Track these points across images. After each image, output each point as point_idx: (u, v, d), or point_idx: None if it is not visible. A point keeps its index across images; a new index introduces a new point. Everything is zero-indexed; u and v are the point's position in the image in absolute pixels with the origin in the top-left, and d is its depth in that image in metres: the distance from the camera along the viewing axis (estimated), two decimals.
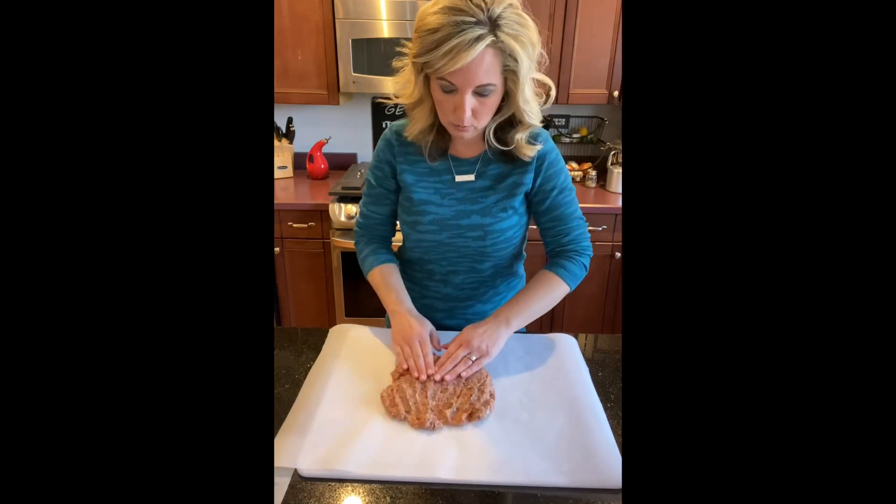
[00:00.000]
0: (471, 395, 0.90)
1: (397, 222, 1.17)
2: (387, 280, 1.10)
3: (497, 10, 0.82)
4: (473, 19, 0.81)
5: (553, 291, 1.05)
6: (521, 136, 0.98)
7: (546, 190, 1.06)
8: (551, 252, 1.12)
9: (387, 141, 1.09)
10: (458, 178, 1.06)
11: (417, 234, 1.10)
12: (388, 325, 1.25)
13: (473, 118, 0.91)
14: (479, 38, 0.81)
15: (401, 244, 1.22)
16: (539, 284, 1.06)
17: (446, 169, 1.06)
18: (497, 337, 0.97)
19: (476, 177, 1.05)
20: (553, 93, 0.98)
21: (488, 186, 1.05)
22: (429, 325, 1.02)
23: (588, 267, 1.10)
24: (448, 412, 0.87)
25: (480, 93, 0.88)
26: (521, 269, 1.23)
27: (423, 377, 0.93)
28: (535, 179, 1.05)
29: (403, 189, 1.09)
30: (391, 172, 1.09)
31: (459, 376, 0.94)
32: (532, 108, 0.94)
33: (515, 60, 0.86)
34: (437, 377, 0.93)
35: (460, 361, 0.95)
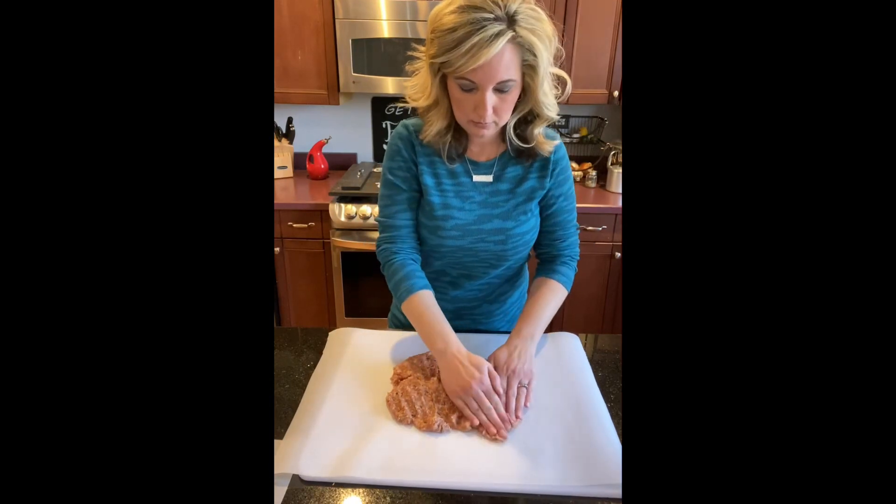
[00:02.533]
0: None
1: None
2: (425, 312, 0.99)
3: (513, 7, 0.83)
4: (492, 16, 0.82)
5: (557, 298, 1.08)
6: (538, 130, 1.00)
7: (554, 195, 1.08)
8: (545, 255, 1.14)
9: (406, 140, 1.05)
10: (476, 178, 1.05)
11: (438, 239, 1.06)
12: (391, 328, 1.25)
13: (494, 115, 0.91)
14: (498, 34, 0.82)
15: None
16: (546, 293, 1.07)
17: (464, 171, 1.05)
18: (531, 356, 0.96)
19: (493, 179, 1.05)
20: (569, 85, 0.98)
21: (507, 190, 1.05)
22: (484, 365, 0.91)
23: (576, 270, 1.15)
24: (453, 417, 0.87)
25: (500, 89, 0.88)
26: (526, 269, 1.24)
27: (504, 434, 0.83)
28: (549, 184, 1.06)
29: (424, 191, 1.05)
30: (416, 172, 1.05)
31: None
32: (550, 101, 0.95)
33: (534, 55, 0.86)
34: (514, 421, 0.86)
35: (518, 394, 0.90)
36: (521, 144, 1.01)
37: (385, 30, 2.24)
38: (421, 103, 0.97)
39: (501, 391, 0.89)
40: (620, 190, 2.46)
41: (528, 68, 0.89)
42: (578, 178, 2.58)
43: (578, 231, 1.15)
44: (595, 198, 2.41)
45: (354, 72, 2.30)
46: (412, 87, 0.98)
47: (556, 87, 0.97)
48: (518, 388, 0.90)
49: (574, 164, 2.61)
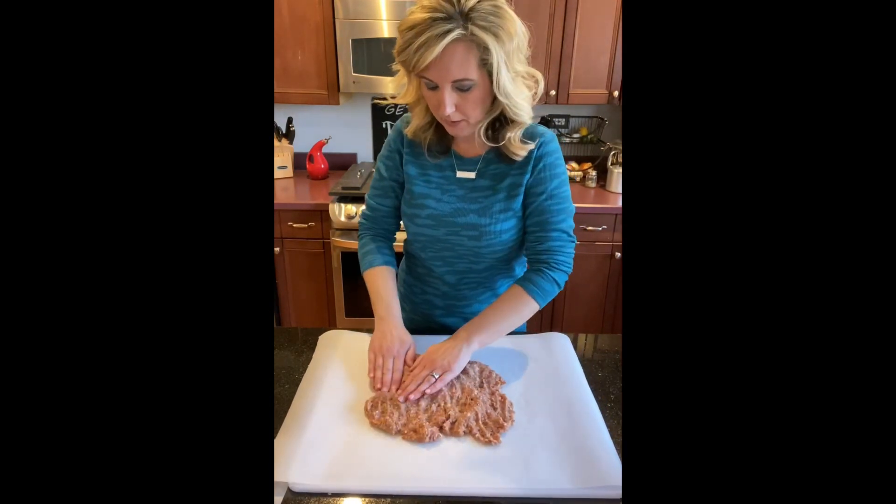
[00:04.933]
0: (472, 406, 0.88)
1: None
2: (379, 284, 1.09)
3: (469, 4, 0.82)
4: (444, 14, 0.81)
5: (521, 309, 1.02)
6: (512, 134, 0.97)
7: (535, 193, 1.02)
8: (529, 260, 1.08)
9: (398, 131, 1.10)
10: (459, 174, 1.06)
11: (415, 228, 1.10)
12: None
13: (460, 112, 0.91)
14: (446, 32, 0.81)
15: (405, 237, 1.21)
16: (507, 302, 1.02)
17: (449, 165, 1.07)
18: (458, 353, 0.95)
19: (477, 175, 1.05)
20: (541, 85, 0.95)
21: (488, 186, 1.05)
22: (409, 342, 1.01)
23: (562, 284, 1.04)
24: (447, 424, 0.85)
25: (459, 87, 0.88)
26: (521, 271, 1.23)
27: (385, 390, 0.93)
28: (529, 179, 1.03)
29: (406, 180, 1.09)
30: (400, 162, 1.10)
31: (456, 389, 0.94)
32: (515, 103, 0.91)
33: (488, 51, 0.84)
34: (401, 398, 0.90)
35: (423, 380, 0.93)
36: (489, 143, 0.99)
37: (385, 30, 2.24)
38: (400, 101, 1.00)
39: (404, 364, 0.98)
40: (620, 190, 2.46)
41: (491, 67, 0.86)
42: (578, 179, 2.58)
43: (572, 242, 1.06)
44: (595, 198, 2.41)
45: (354, 72, 2.30)
46: (394, 84, 1.00)
47: (531, 88, 0.94)
48: (425, 376, 0.93)
49: (574, 164, 2.61)
